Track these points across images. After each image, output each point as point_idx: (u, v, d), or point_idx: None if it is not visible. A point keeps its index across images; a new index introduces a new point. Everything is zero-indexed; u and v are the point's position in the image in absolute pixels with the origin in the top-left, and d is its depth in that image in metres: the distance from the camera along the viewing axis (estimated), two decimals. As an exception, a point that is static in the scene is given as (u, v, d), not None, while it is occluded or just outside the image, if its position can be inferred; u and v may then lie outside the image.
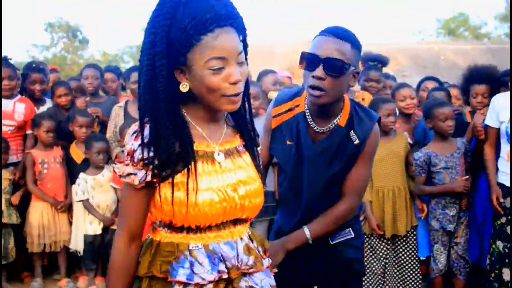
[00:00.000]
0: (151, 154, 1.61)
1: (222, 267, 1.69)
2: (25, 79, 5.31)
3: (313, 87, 2.21)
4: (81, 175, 4.96)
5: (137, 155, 1.61)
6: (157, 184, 1.65)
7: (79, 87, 5.56)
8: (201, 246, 1.69)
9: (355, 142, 2.35)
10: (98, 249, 4.97)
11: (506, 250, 3.85)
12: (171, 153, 1.62)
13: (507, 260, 3.85)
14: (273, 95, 5.26)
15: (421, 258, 4.40)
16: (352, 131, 2.35)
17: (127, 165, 1.63)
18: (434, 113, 4.14)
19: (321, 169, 2.39)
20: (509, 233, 3.84)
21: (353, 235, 2.51)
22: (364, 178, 2.45)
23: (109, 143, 5.06)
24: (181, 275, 1.65)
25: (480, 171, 4.26)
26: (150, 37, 1.59)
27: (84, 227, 4.93)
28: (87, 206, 4.91)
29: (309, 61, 2.21)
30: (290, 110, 2.46)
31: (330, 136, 2.37)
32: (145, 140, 1.61)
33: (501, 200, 3.85)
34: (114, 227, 4.98)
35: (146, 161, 1.61)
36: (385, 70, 5.59)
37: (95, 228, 4.93)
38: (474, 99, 4.46)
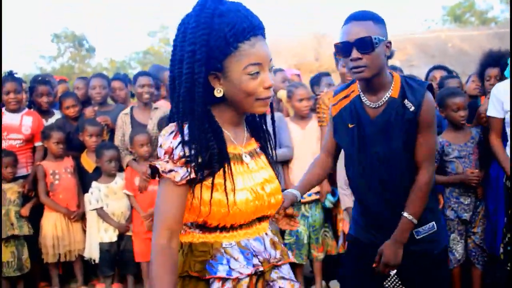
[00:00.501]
0: (193, 152, 1.67)
1: (256, 261, 1.80)
2: (32, 92, 5.35)
3: (354, 68, 2.41)
4: (94, 183, 4.98)
5: (178, 152, 1.68)
6: (195, 184, 1.71)
7: (86, 95, 5.59)
8: (234, 244, 1.79)
9: (411, 109, 2.46)
10: (114, 256, 5.00)
11: None
12: (213, 153, 1.70)
13: None
14: (282, 93, 5.24)
15: None
16: (406, 100, 2.48)
17: (167, 162, 1.68)
18: (447, 102, 4.11)
19: (386, 144, 2.51)
20: None
21: (436, 229, 2.60)
22: (432, 144, 2.54)
23: (119, 151, 5.07)
24: (222, 271, 1.73)
25: (489, 161, 4.22)
26: (191, 47, 1.68)
27: (98, 235, 4.96)
28: (102, 214, 4.93)
29: (343, 49, 2.42)
30: (346, 97, 2.64)
31: (386, 109, 2.51)
32: (186, 138, 1.68)
33: None
34: (129, 233, 5.03)
35: (189, 159, 1.67)
36: (393, 60, 5.54)
37: (111, 236, 4.97)
38: (488, 82, 4.49)
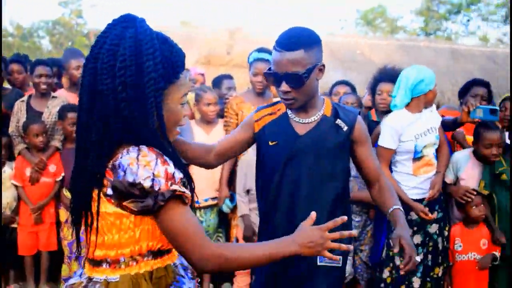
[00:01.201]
0: (182, 175, 1.67)
1: (192, 274, 1.90)
2: None
3: (284, 99, 2.42)
4: (-20, 171, 4.72)
5: (178, 175, 1.65)
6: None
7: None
8: (177, 263, 1.85)
9: (344, 129, 2.50)
10: (-5, 249, 4.76)
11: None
12: (189, 175, 1.72)
13: (415, 269, 3.97)
14: (190, 96, 5.13)
15: None
16: (338, 119, 2.51)
17: (176, 185, 1.63)
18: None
19: (314, 162, 2.48)
20: (420, 242, 3.97)
21: (340, 265, 2.57)
22: (375, 158, 2.65)
23: (11, 138, 4.84)
24: None
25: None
26: (150, 75, 1.64)
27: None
28: (-15, 204, 4.68)
29: (273, 78, 2.39)
30: (271, 114, 2.61)
31: (318, 125, 2.51)
32: (170, 161, 1.66)
33: (426, 217, 3.92)
34: (14, 225, 4.81)
35: (184, 180, 1.68)
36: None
37: (-7, 227, 4.73)
38: (379, 96, 4.50)
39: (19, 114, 4.88)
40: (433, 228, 4.03)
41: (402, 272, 2.29)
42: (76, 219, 1.77)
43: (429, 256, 4.01)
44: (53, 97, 5.02)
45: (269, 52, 4.58)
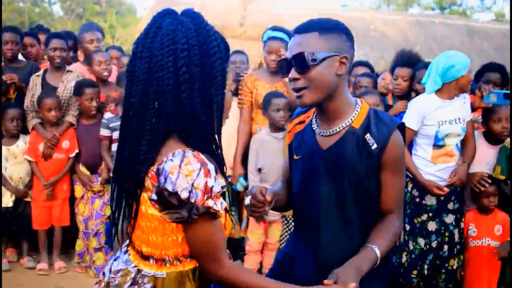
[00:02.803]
0: (220, 188, 1.65)
1: None
2: None
3: (295, 91, 2.08)
4: (-6, 144, 4.71)
5: (215, 189, 1.63)
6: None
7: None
8: None
9: (372, 147, 2.06)
10: (9, 222, 4.78)
11: (428, 247, 3.97)
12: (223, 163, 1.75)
13: (427, 256, 3.98)
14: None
15: None
16: (368, 134, 2.07)
17: (212, 199, 1.62)
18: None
19: (336, 181, 2.11)
20: (434, 229, 3.97)
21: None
22: (400, 188, 2.16)
23: (25, 112, 4.83)
24: None
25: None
26: (217, 55, 1.67)
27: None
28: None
29: (284, 67, 2.10)
30: (301, 122, 2.27)
31: (343, 138, 2.10)
32: (213, 172, 1.64)
33: (440, 192, 3.86)
34: (27, 199, 4.84)
35: (222, 191, 1.67)
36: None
37: (7, 200, 4.76)
38: (395, 81, 4.51)
39: (34, 88, 4.85)
40: (450, 219, 4.00)
41: None
42: (117, 207, 1.78)
43: (445, 247, 3.99)
44: (68, 71, 4.99)
45: (284, 31, 4.53)
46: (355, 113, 2.11)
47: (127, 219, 1.74)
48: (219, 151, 1.74)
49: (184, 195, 1.57)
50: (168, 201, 1.59)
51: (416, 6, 28.67)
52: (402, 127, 2.14)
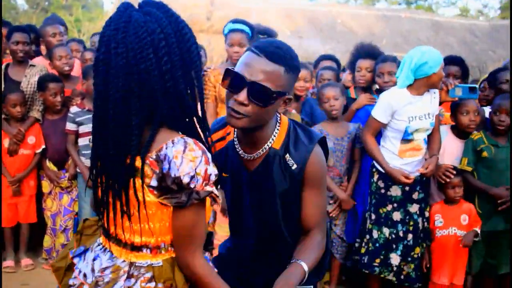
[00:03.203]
0: (215, 177, 1.67)
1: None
2: None
3: (233, 111, 1.94)
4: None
5: (213, 177, 1.65)
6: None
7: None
8: None
9: (293, 168, 2.06)
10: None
11: (393, 236, 4.04)
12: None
13: (394, 246, 4.04)
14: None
15: None
16: (288, 155, 2.07)
17: (209, 186, 1.65)
18: (320, 95, 4.23)
19: (264, 200, 2.13)
20: (399, 219, 4.04)
21: None
22: (322, 206, 2.18)
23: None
24: None
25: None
26: (192, 40, 1.69)
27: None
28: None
29: (234, 81, 1.93)
30: (222, 139, 2.21)
31: (265, 161, 2.09)
32: (210, 158, 1.66)
33: (406, 180, 3.95)
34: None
35: (216, 178, 1.68)
36: (283, 30, 5.50)
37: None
38: (358, 73, 4.56)
39: (-4, 84, 4.77)
40: (414, 208, 4.08)
41: None
42: (102, 204, 1.75)
43: (410, 236, 4.06)
44: (31, 65, 4.92)
45: (245, 23, 4.54)
46: (275, 134, 2.09)
47: (113, 212, 1.71)
48: (207, 133, 1.74)
49: (185, 180, 1.58)
50: (167, 186, 1.60)
51: (383, 1, 28.95)
52: (323, 141, 2.16)
